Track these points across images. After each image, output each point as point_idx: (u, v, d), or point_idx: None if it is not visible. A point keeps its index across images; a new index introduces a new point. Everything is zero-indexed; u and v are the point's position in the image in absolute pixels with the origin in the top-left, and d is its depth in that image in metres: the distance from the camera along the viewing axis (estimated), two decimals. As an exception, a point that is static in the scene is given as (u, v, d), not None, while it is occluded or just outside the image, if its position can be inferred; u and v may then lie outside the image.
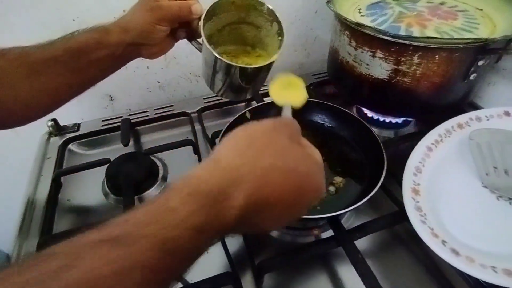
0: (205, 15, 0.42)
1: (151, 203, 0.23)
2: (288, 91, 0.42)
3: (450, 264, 0.37)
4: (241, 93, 0.51)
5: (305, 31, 0.81)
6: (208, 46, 0.41)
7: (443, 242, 0.39)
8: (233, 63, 0.43)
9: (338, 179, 0.50)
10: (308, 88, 0.76)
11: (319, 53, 0.85)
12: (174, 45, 0.49)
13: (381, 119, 0.66)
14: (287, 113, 0.39)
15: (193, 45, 0.48)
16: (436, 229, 0.40)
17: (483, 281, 0.37)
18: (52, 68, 0.41)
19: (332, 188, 0.50)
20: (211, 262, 0.46)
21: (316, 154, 0.31)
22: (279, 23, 0.45)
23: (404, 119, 0.65)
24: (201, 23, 0.42)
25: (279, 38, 0.46)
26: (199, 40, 0.47)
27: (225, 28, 0.49)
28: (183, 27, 0.46)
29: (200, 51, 0.47)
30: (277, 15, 0.45)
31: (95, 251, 0.19)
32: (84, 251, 0.19)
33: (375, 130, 0.66)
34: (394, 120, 0.66)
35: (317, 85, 0.76)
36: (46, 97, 0.43)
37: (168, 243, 0.21)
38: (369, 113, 0.67)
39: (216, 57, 0.42)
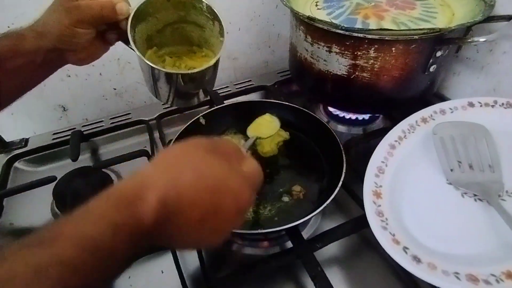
0: (133, 16, 0.38)
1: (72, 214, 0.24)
2: (261, 127, 0.51)
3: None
4: (190, 99, 0.48)
5: (266, 28, 0.78)
6: (138, 53, 0.38)
7: (405, 248, 0.36)
8: (171, 71, 0.39)
9: (297, 188, 0.47)
10: (272, 86, 0.73)
11: (283, 49, 0.81)
12: (108, 49, 0.44)
13: (347, 116, 0.63)
14: (247, 142, 0.45)
15: (130, 48, 0.44)
16: (397, 235, 0.38)
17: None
18: None
19: (286, 198, 0.47)
20: (165, 283, 0.43)
21: (249, 165, 0.30)
22: (219, 22, 0.41)
23: (371, 115, 0.63)
24: (128, 25, 0.38)
25: (221, 38, 0.42)
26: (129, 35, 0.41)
27: (166, 28, 0.45)
28: (113, 29, 0.41)
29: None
30: (217, 13, 0.41)
31: (19, 253, 0.20)
32: (10, 254, 0.20)
33: (342, 128, 0.64)
34: (361, 117, 0.63)
35: (281, 83, 0.73)
36: None
37: (86, 240, 0.22)
38: (335, 111, 0.64)
39: (151, 66, 0.38)
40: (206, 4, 0.41)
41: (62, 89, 0.70)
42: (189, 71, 0.41)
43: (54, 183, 0.54)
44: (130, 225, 0.23)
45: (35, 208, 0.54)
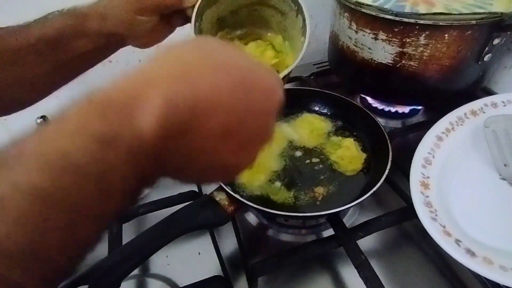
0: (199, 4, 0.36)
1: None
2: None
3: (465, 266, 0.33)
4: None
5: (304, 19, 0.77)
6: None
7: (457, 241, 0.34)
8: None
9: (320, 190, 0.45)
10: (308, 78, 0.72)
11: (320, 41, 0.80)
12: (173, 31, 0.43)
13: (387, 109, 0.61)
14: None
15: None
16: (448, 227, 0.36)
17: (504, 285, 0.33)
18: (27, 57, 0.37)
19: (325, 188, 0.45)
20: (202, 264, 0.43)
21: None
22: (303, 17, 0.39)
23: (412, 108, 0.61)
24: (193, 14, 0.36)
25: (302, 38, 0.39)
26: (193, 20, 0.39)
27: (242, 9, 0.43)
28: (179, 14, 0.40)
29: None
30: (301, 4, 0.38)
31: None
32: None
33: (380, 120, 0.62)
34: (400, 110, 0.61)
35: (318, 74, 0.72)
36: (21, 89, 0.40)
37: (62, 159, 0.16)
38: (374, 103, 0.62)
39: None
40: None
41: (103, 74, 0.70)
42: None
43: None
44: (125, 137, 0.17)
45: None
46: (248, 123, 0.21)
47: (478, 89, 0.55)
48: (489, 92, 0.61)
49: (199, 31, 0.37)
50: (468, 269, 0.33)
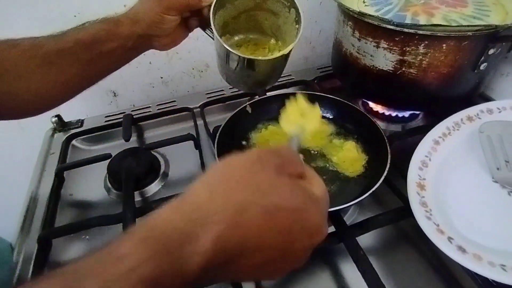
0: (215, 3, 0.41)
1: (101, 249, 0.19)
2: (301, 119, 0.40)
3: (457, 262, 0.35)
4: (256, 85, 0.50)
5: (309, 24, 0.80)
6: (218, 37, 0.41)
7: (449, 238, 0.37)
8: (244, 55, 0.42)
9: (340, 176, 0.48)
10: (312, 81, 0.74)
11: (324, 46, 0.83)
12: (187, 35, 0.48)
13: (387, 113, 0.64)
14: (292, 143, 0.34)
15: (207, 34, 0.47)
16: (442, 226, 0.39)
17: (492, 280, 0.36)
18: (64, 59, 0.42)
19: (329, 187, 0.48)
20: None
21: (318, 187, 0.25)
22: (296, 9, 0.43)
23: (411, 113, 0.63)
24: (211, 11, 0.41)
25: (297, 26, 0.44)
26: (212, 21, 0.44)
27: (241, 15, 0.48)
28: (195, 16, 0.45)
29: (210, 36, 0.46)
30: (295, 1, 0.43)
31: None
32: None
33: (381, 124, 0.65)
34: (400, 114, 0.64)
35: (321, 78, 0.75)
36: (57, 88, 0.44)
37: None
38: (375, 107, 0.65)
39: (226, 48, 0.41)
40: None
41: (115, 76, 0.73)
42: (259, 58, 0.43)
43: (109, 160, 0.59)
44: (171, 276, 0.18)
45: (90, 182, 0.59)
46: (288, 257, 0.22)
47: (475, 95, 0.58)
48: (486, 99, 0.63)
49: (219, 26, 0.42)
50: (460, 265, 0.36)
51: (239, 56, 0.42)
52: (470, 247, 0.36)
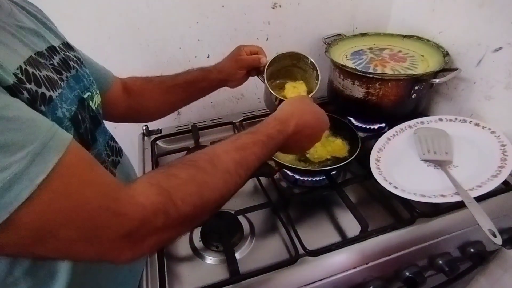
0: (268, 64, 0.74)
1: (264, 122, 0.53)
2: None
3: (393, 195, 0.68)
4: None
5: (312, 68, 1.17)
6: (267, 84, 0.73)
7: (390, 183, 0.70)
8: (277, 95, 0.72)
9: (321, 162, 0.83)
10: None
11: (323, 82, 1.19)
12: (247, 79, 0.79)
13: (364, 126, 0.99)
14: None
15: (259, 79, 0.79)
16: (387, 178, 0.72)
17: (411, 200, 0.68)
18: (176, 90, 0.76)
19: (314, 166, 0.82)
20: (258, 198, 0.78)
21: (324, 112, 0.61)
22: (317, 71, 0.76)
23: (379, 125, 0.98)
24: (265, 70, 0.73)
25: (316, 81, 0.77)
26: (264, 76, 0.73)
27: (282, 68, 0.78)
28: (255, 70, 0.76)
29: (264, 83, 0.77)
30: (316, 66, 0.76)
31: (227, 155, 0.44)
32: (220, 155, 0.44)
33: (361, 134, 1.00)
34: (372, 126, 0.98)
35: (321, 104, 1.10)
36: (170, 106, 0.79)
37: (268, 136, 0.48)
38: (355, 122, 1.00)
39: (270, 91, 0.73)
40: (311, 60, 0.76)
41: None
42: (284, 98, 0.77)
43: (185, 152, 0.93)
44: (282, 133, 0.50)
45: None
46: (316, 133, 0.57)
47: (416, 113, 0.93)
48: (423, 114, 0.98)
49: (267, 79, 0.74)
50: (395, 196, 0.68)
51: (276, 96, 0.73)
52: (400, 187, 0.69)
